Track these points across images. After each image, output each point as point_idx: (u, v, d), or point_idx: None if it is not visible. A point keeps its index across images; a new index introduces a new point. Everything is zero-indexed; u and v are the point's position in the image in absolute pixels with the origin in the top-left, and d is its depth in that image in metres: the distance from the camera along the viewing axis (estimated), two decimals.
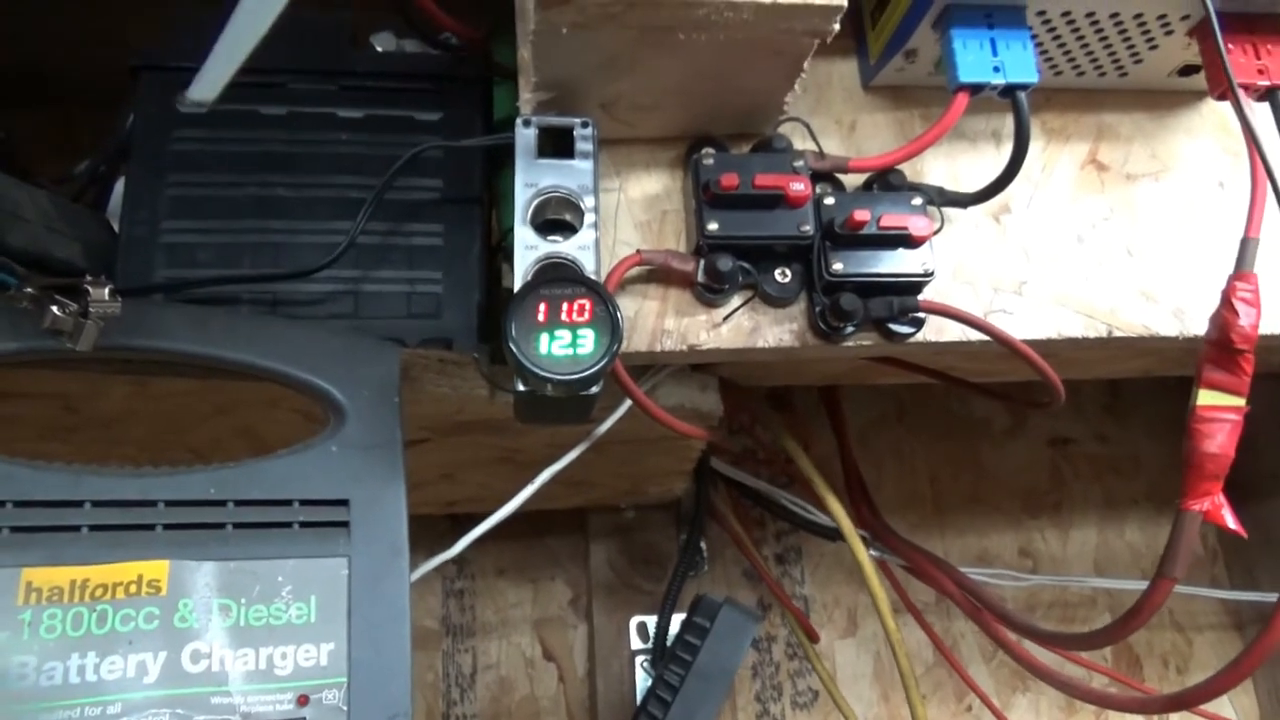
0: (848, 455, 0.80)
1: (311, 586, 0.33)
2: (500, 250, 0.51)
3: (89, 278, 0.34)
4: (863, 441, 0.92)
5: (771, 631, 0.86)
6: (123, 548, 0.31)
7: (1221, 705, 0.88)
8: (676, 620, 0.69)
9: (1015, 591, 0.88)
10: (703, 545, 0.77)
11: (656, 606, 0.72)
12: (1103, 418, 0.96)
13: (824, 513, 0.63)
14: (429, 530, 0.87)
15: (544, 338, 0.35)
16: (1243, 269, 0.45)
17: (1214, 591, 0.85)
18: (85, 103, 0.59)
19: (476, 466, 0.59)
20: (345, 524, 0.35)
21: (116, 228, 0.48)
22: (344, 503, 0.35)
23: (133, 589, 0.30)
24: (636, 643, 0.75)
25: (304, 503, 0.34)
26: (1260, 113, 0.47)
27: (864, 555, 0.57)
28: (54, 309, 0.32)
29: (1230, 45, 0.47)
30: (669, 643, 0.66)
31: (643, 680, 0.73)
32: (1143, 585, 0.88)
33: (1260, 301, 0.44)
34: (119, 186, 0.52)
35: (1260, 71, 0.47)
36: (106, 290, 0.34)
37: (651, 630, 0.73)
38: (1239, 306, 0.44)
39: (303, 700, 0.31)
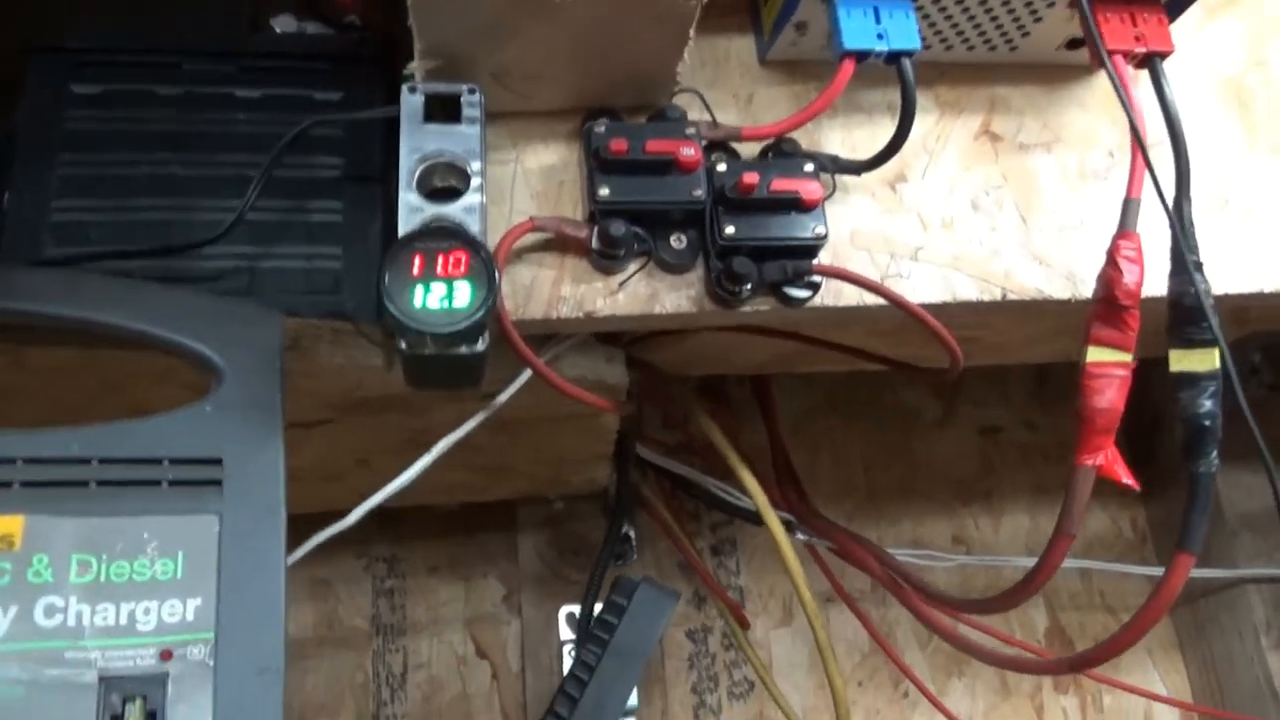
0: (777, 443, 0.81)
1: (179, 543, 0.32)
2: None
3: None
4: (798, 432, 0.92)
5: (707, 623, 0.85)
6: None
7: (1153, 683, 0.89)
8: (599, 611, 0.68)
9: (948, 575, 0.88)
10: (631, 534, 0.77)
11: None
12: (1030, 406, 0.98)
13: (745, 495, 0.63)
14: (356, 527, 0.86)
15: (419, 290, 0.35)
16: (1126, 229, 0.46)
17: (1140, 569, 0.87)
18: None
19: (388, 452, 0.59)
20: (218, 482, 0.34)
21: None
22: (217, 461, 0.34)
23: None
24: (566, 633, 0.74)
25: (174, 461, 0.34)
26: (1142, 80, 0.49)
27: (779, 529, 0.57)
28: None
29: (1107, 14, 0.48)
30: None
31: None
32: (1069, 565, 0.89)
33: (1143, 260, 0.46)
34: None
35: (1137, 39, 0.48)
36: None
37: None
38: (1123, 265, 0.46)
39: (166, 655, 0.31)
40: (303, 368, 0.43)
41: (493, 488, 0.72)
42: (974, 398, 0.97)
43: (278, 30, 0.53)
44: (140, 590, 0.31)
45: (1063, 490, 0.99)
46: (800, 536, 0.74)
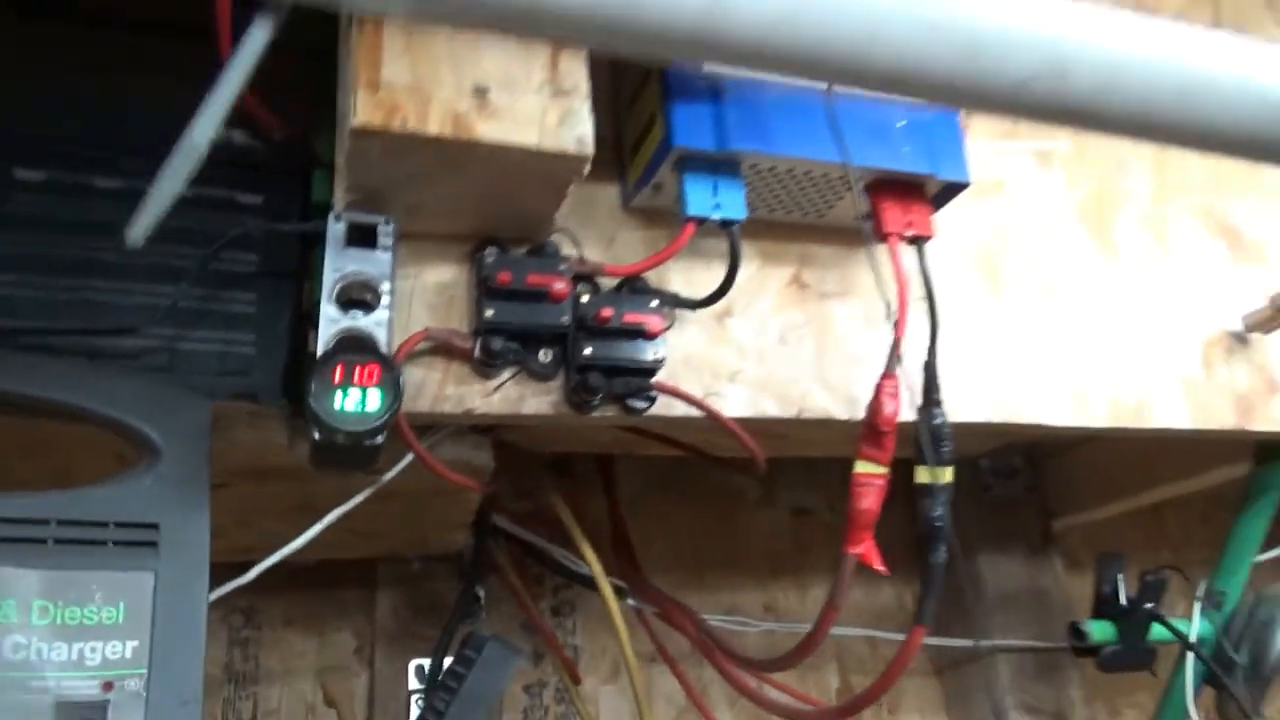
0: (616, 517, 0.92)
1: (121, 594, 0.39)
2: (309, 318, 0.59)
3: None
4: (635, 507, 1.03)
5: (543, 678, 0.94)
6: None
7: None
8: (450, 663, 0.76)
9: (758, 639, 1.00)
10: (481, 594, 0.84)
11: None
12: (837, 491, 1.13)
13: (584, 563, 0.73)
14: (225, 578, 0.90)
15: (338, 395, 0.44)
16: (889, 371, 0.60)
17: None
18: None
19: (272, 514, 0.65)
20: (154, 544, 0.41)
21: None
22: (154, 526, 0.41)
23: None
24: (415, 684, 0.81)
25: (118, 524, 0.41)
26: (910, 254, 0.63)
27: (609, 594, 0.67)
28: None
29: (888, 203, 0.63)
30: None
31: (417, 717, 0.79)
32: (858, 633, 1.02)
33: (900, 395, 0.60)
34: None
35: (909, 224, 0.63)
36: None
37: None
38: (884, 400, 0.59)
39: (108, 686, 0.37)
40: (220, 445, 0.50)
41: (360, 546, 0.79)
42: (789, 482, 1.11)
43: None
44: (89, 632, 0.38)
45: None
46: (630, 602, 0.84)
